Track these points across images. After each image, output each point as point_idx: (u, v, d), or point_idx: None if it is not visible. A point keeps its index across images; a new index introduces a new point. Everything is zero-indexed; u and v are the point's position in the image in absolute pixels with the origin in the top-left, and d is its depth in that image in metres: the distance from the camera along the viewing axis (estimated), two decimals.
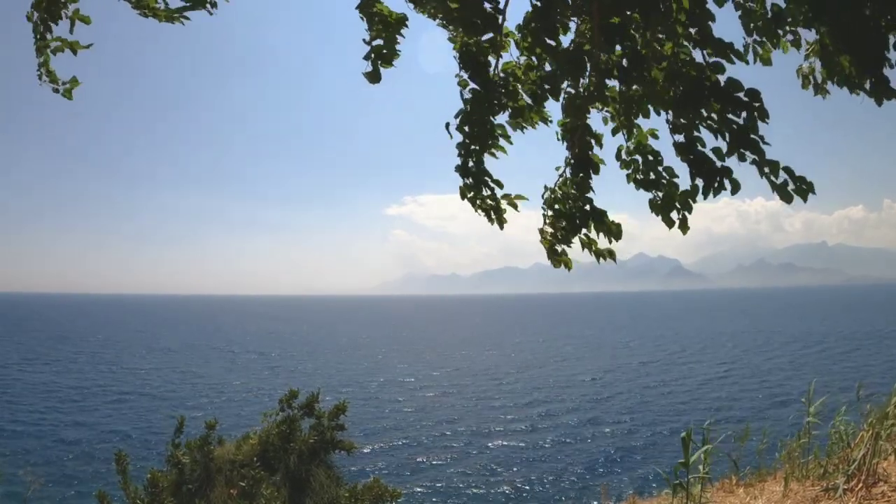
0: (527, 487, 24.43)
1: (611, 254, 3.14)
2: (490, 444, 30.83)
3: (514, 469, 26.81)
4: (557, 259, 3.24)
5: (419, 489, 24.11)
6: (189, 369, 58.77)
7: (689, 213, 2.82)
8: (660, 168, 2.95)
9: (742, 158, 2.47)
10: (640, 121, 3.10)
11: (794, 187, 2.44)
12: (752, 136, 2.44)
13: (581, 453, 29.01)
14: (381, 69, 3.19)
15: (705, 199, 2.66)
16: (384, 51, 3.16)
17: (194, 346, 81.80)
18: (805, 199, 2.45)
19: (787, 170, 2.44)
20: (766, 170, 2.44)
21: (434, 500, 23.23)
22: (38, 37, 3.44)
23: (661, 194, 2.90)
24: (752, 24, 2.89)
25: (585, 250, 3.16)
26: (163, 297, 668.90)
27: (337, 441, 5.47)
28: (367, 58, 3.17)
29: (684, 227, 2.86)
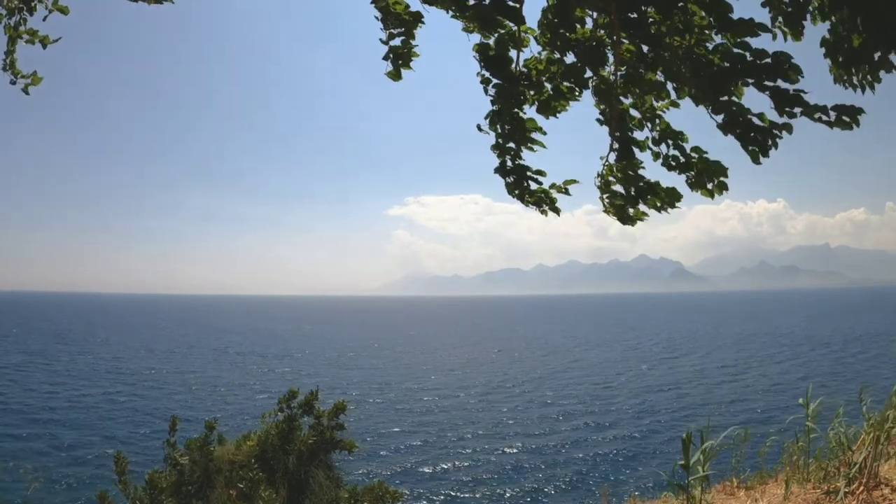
0: (528, 488, 24.39)
1: (675, 198, 3.22)
2: (491, 445, 30.79)
3: (516, 470, 26.78)
4: (631, 220, 3.33)
5: (421, 490, 24.08)
6: (190, 370, 58.82)
7: (726, 177, 2.97)
8: (687, 149, 3.06)
9: (792, 116, 2.60)
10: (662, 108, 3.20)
11: (848, 118, 2.57)
12: (793, 91, 2.56)
13: (583, 454, 28.96)
14: (402, 70, 3.23)
15: (766, 157, 2.77)
16: (403, 51, 3.18)
17: (194, 347, 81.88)
18: (858, 124, 2.60)
19: (836, 107, 2.58)
20: (817, 115, 2.57)
21: (435, 500, 23.21)
22: (12, 26, 3.43)
23: (693, 173, 3.02)
24: (774, 14, 2.93)
25: (654, 209, 3.27)
26: (164, 297, 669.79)
27: (337, 441, 5.45)
28: (385, 58, 3.20)
29: (721, 190, 3.00)
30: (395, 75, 3.23)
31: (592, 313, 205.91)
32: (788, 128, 2.65)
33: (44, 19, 3.46)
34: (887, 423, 4.83)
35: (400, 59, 3.20)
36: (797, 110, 2.57)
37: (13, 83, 3.62)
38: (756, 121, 2.68)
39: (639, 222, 3.34)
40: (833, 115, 2.54)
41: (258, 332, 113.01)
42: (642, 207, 3.27)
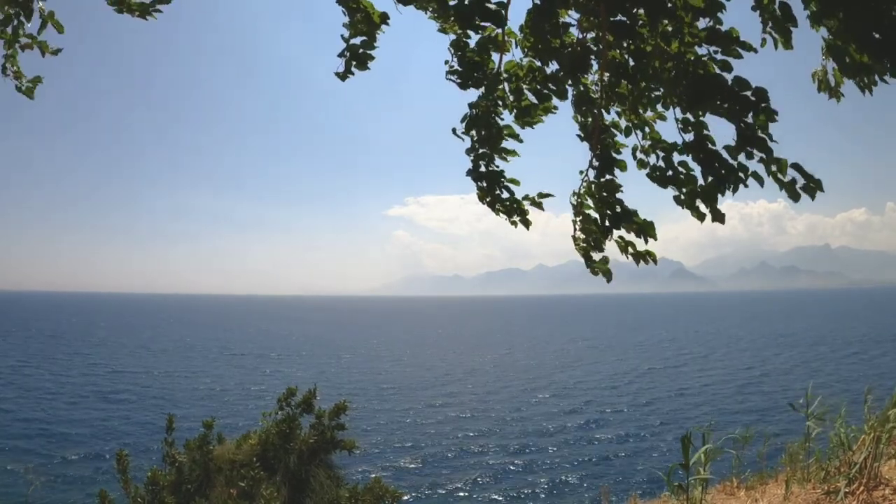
0: (528, 487, 24.39)
1: (650, 254, 2.96)
2: (493, 444, 30.79)
3: (516, 469, 26.77)
4: (595, 267, 3.09)
5: (422, 489, 24.08)
6: (189, 370, 58.80)
7: (715, 204, 2.72)
8: (675, 163, 2.88)
9: (750, 156, 2.46)
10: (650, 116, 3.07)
11: (803, 185, 2.39)
12: (760, 134, 2.42)
13: (583, 454, 28.95)
14: (355, 70, 3.13)
15: (722, 196, 2.60)
16: (360, 51, 3.09)
17: (195, 347, 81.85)
18: (813, 197, 2.41)
19: (796, 166, 2.40)
20: (773, 168, 2.41)
21: (436, 499, 23.20)
22: (10, 30, 3.41)
23: (684, 189, 2.82)
24: (765, 18, 2.86)
25: (624, 254, 3.01)
26: (164, 296, 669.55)
27: (338, 440, 5.46)
28: (341, 55, 3.10)
29: (718, 217, 2.74)
30: (344, 75, 3.13)
31: (593, 314, 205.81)
32: (759, 179, 2.46)
33: (38, 32, 3.45)
34: (888, 424, 4.83)
35: (356, 59, 3.10)
36: (758, 155, 2.42)
37: (19, 89, 3.61)
38: (724, 154, 2.52)
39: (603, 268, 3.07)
40: (790, 174, 2.38)
41: (259, 332, 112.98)
42: (611, 254, 3.05)
